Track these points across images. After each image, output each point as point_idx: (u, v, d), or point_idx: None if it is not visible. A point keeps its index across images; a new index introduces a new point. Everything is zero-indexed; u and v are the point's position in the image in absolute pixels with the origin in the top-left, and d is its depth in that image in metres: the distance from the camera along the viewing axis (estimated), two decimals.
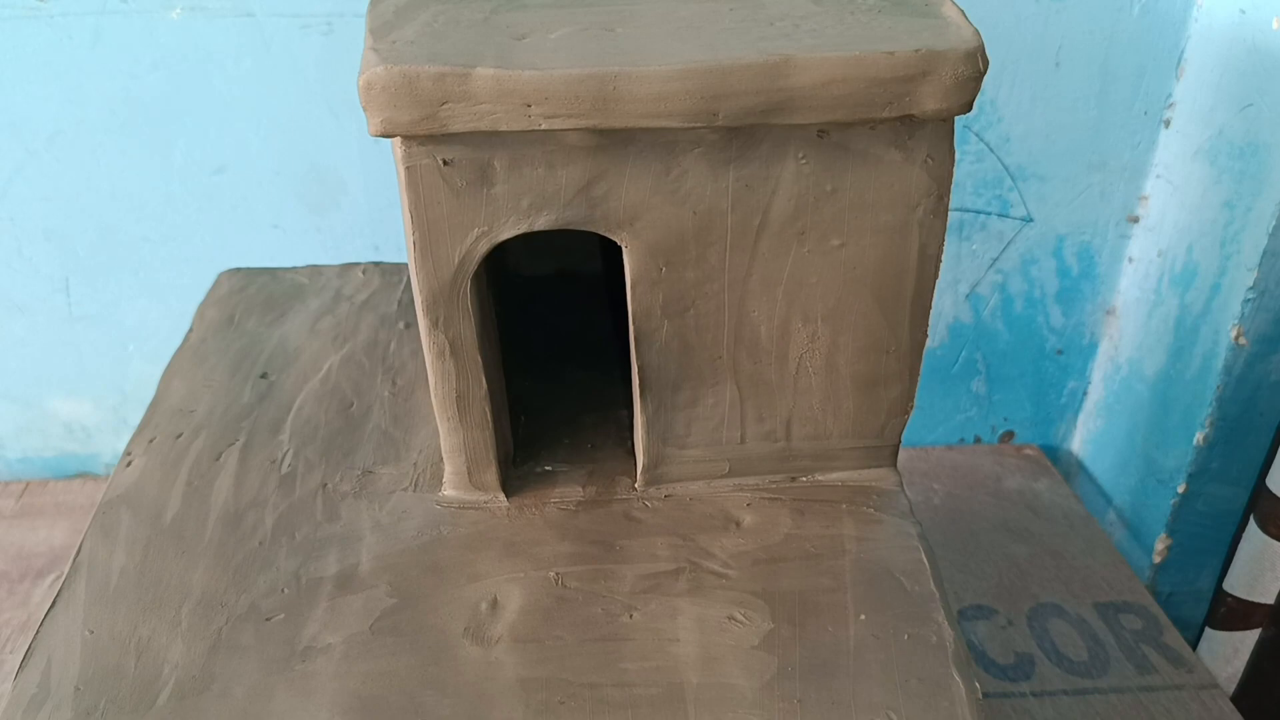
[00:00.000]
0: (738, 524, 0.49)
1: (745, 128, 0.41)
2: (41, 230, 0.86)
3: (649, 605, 0.45)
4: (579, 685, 0.42)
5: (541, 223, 0.43)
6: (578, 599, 0.45)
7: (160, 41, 0.77)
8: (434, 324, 0.45)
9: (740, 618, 0.45)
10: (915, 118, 0.40)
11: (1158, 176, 0.85)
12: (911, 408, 0.50)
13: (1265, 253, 0.74)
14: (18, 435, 0.99)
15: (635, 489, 0.50)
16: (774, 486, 0.51)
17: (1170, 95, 0.82)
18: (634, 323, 0.46)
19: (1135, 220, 0.88)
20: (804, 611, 0.45)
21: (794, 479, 0.51)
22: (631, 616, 0.45)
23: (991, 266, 0.91)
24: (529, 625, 0.44)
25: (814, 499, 0.50)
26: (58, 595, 0.46)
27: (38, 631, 0.44)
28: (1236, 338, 0.77)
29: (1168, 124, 0.83)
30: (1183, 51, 0.79)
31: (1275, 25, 0.71)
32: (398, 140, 0.41)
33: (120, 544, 0.49)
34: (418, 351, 0.49)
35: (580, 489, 0.51)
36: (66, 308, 0.90)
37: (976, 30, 0.40)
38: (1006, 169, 0.85)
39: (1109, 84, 0.81)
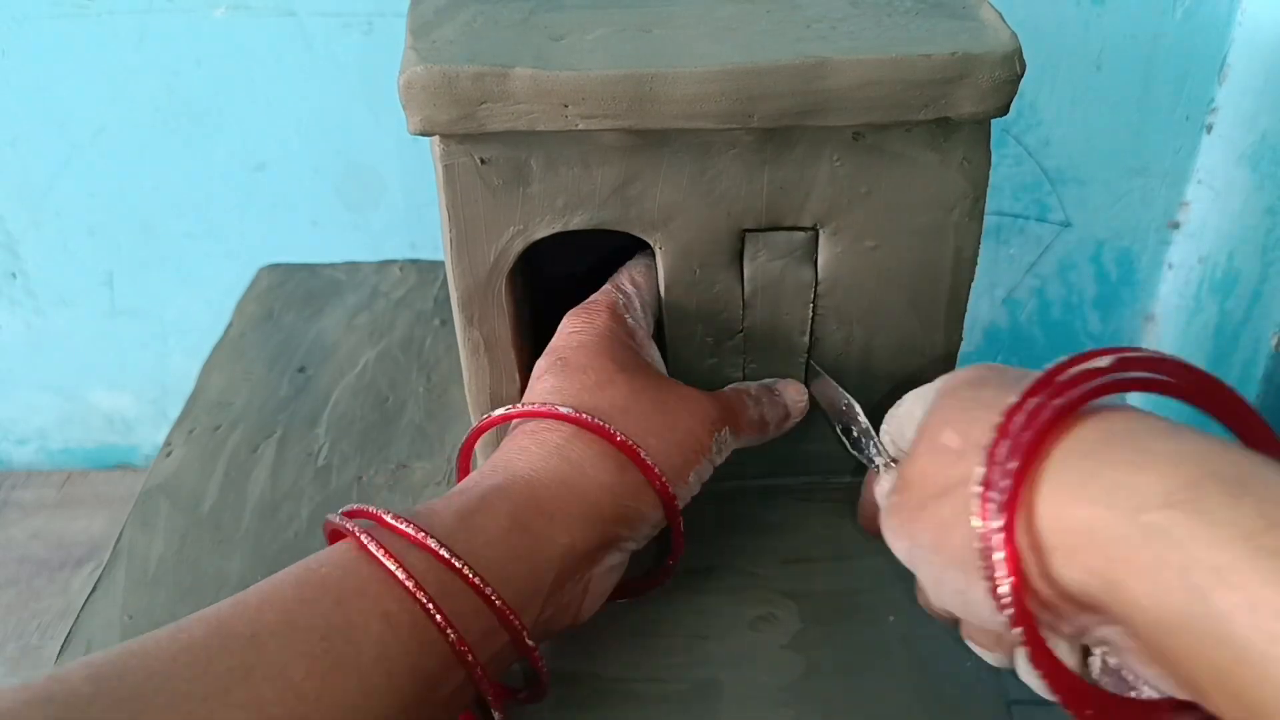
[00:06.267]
0: (769, 523, 0.49)
1: (780, 129, 0.41)
2: (85, 225, 0.87)
3: (679, 602, 0.45)
4: (608, 679, 0.42)
5: (576, 222, 0.43)
6: None
7: (203, 40, 0.78)
8: (469, 321, 0.46)
9: (769, 617, 0.45)
10: (951, 120, 0.40)
11: (1199, 182, 0.84)
12: None
13: None
14: (60, 426, 1.00)
15: None
16: (806, 487, 0.51)
17: (1213, 100, 0.81)
18: (668, 323, 0.46)
19: (1176, 226, 0.87)
20: (833, 612, 0.45)
21: (826, 479, 0.51)
22: (660, 613, 0.45)
23: (1029, 271, 0.90)
24: None
25: (845, 500, 0.50)
26: (98, 582, 0.47)
27: (78, 616, 0.45)
28: (1277, 346, 0.76)
29: (1210, 129, 0.82)
30: (1225, 55, 0.78)
31: None
32: (436, 139, 0.41)
33: (159, 533, 0.49)
34: (453, 348, 0.49)
35: None
36: (109, 302, 0.91)
37: (1014, 33, 0.40)
38: (1045, 173, 0.84)
39: (1150, 88, 0.80)
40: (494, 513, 0.36)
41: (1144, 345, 0.93)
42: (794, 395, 0.47)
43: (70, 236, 0.88)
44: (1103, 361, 0.30)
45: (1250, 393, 0.79)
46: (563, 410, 0.39)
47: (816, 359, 0.47)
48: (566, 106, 0.39)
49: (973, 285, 0.46)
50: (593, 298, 0.45)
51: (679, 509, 0.40)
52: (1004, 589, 0.29)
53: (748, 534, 0.49)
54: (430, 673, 0.33)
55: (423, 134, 0.40)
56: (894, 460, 0.42)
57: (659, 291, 0.46)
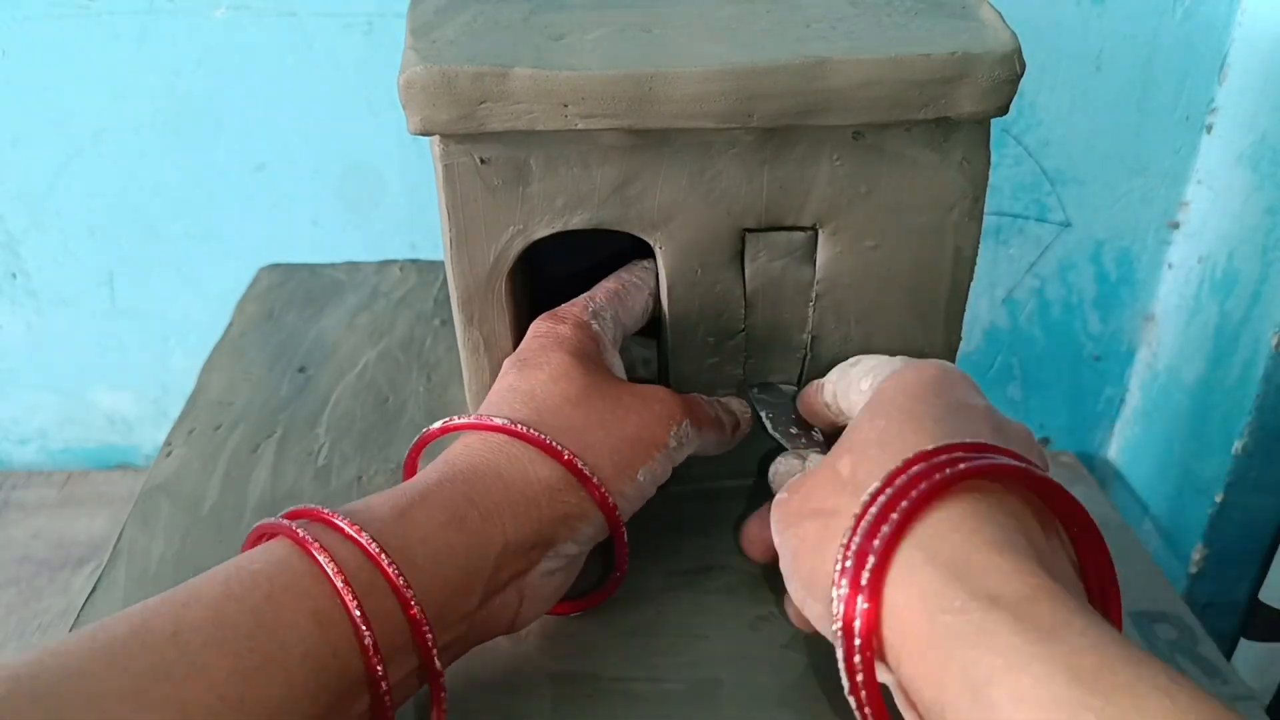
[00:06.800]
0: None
1: (781, 129, 0.41)
2: (86, 226, 0.87)
3: (679, 602, 0.45)
4: (608, 679, 0.42)
5: (576, 222, 0.43)
6: None
7: (204, 40, 0.78)
8: (469, 320, 0.46)
9: (770, 616, 0.45)
10: (951, 120, 0.40)
11: (1199, 182, 0.84)
12: None
13: None
14: (60, 426, 1.00)
15: (667, 487, 0.51)
16: None
17: (1212, 100, 0.81)
18: (668, 324, 0.46)
19: (1175, 226, 0.87)
20: None
21: None
22: (660, 613, 0.45)
23: (1028, 271, 0.90)
24: (559, 619, 0.44)
25: None
26: (98, 581, 0.47)
27: (78, 616, 0.45)
28: (1277, 346, 0.76)
29: (1209, 129, 0.82)
30: (1225, 56, 0.79)
31: None
32: (436, 138, 0.41)
33: (159, 532, 0.49)
34: (453, 347, 0.49)
35: None
36: (110, 302, 0.91)
37: (1014, 33, 0.40)
38: (1045, 173, 0.84)
39: (1150, 88, 0.80)
40: (430, 507, 0.36)
41: (1144, 345, 0.93)
42: (738, 406, 0.48)
43: (71, 237, 0.88)
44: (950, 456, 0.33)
45: (1250, 394, 0.79)
46: (495, 421, 0.39)
47: (816, 358, 0.47)
48: (566, 106, 0.39)
49: (972, 285, 0.46)
50: (564, 305, 0.45)
51: (617, 511, 0.39)
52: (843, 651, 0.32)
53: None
54: (352, 677, 0.32)
55: (423, 134, 0.40)
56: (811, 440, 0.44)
57: (644, 303, 0.46)
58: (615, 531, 0.40)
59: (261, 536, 0.36)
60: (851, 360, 0.43)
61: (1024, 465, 0.33)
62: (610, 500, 0.39)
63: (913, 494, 0.32)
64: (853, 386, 0.41)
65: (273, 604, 0.32)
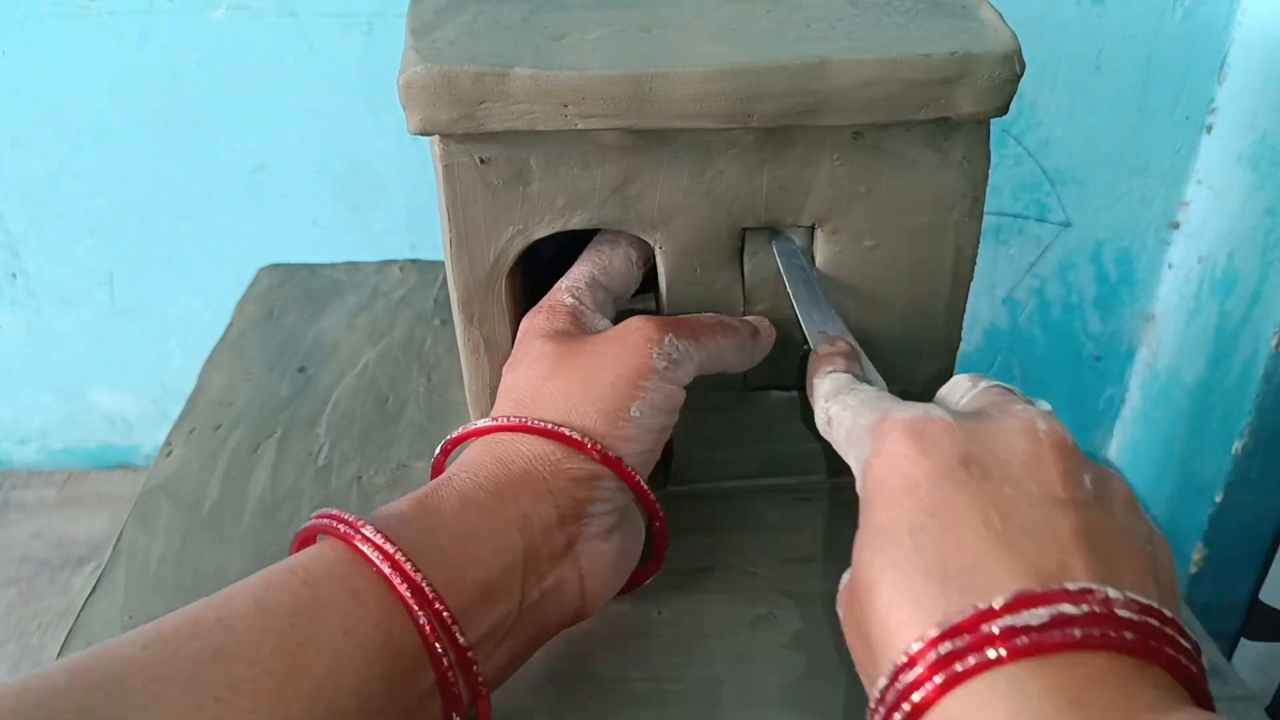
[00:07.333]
0: (768, 523, 0.49)
1: (780, 129, 0.41)
2: (86, 226, 0.87)
3: (679, 602, 0.45)
4: (608, 679, 0.42)
5: (576, 222, 0.43)
6: None
7: (204, 41, 0.78)
8: (469, 320, 0.46)
9: (770, 616, 0.45)
10: (951, 120, 0.40)
11: (1199, 182, 0.84)
12: None
13: None
14: (60, 426, 1.00)
15: (667, 487, 0.51)
16: (805, 486, 0.51)
17: (1212, 100, 0.81)
18: None
19: (1175, 226, 0.87)
20: (833, 612, 0.45)
21: (826, 479, 0.51)
22: (660, 613, 0.45)
23: (1028, 271, 0.90)
24: None
25: (845, 499, 0.50)
26: (98, 581, 0.47)
27: (78, 617, 0.45)
28: (1277, 346, 0.76)
29: (1209, 129, 0.82)
30: (1225, 56, 0.79)
31: None
32: (436, 138, 0.41)
33: (159, 532, 0.49)
34: (453, 347, 0.49)
35: None
36: (110, 302, 0.91)
37: (1014, 33, 0.40)
38: (1045, 173, 0.84)
39: (1150, 88, 0.80)
40: (443, 497, 0.37)
41: (1143, 345, 0.93)
42: (755, 319, 0.46)
43: (71, 236, 0.88)
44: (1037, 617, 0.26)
45: (1250, 394, 0.79)
46: (479, 424, 0.40)
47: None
48: (566, 106, 0.39)
49: (972, 285, 0.46)
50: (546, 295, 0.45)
51: (623, 463, 0.39)
52: None
53: (748, 534, 0.49)
54: (403, 653, 0.33)
55: (422, 134, 0.40)
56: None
57: (623, 260, 0.46)
58: (629, 481, 0.40)
59: (303, 543, 0.38)
60: (839, 384, 0.39)
61: (1101, 630, 0.26)
62: (610, 454, 0.39)
63: (915, 696, 0.27)
64: (831, 424, 0.38)
65: (310, 587, 0.33)
